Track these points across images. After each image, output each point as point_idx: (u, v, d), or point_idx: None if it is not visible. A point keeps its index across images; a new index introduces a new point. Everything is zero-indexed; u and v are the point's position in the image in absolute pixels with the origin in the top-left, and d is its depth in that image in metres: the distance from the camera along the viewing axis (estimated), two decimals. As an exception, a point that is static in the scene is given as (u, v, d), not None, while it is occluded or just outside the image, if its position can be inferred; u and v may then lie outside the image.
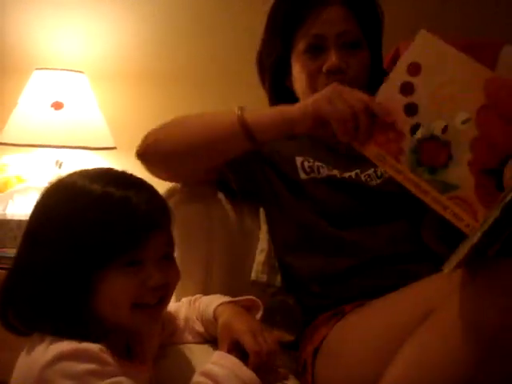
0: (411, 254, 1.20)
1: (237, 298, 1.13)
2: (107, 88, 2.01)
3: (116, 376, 0.85)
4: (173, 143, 1.23)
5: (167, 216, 0.96)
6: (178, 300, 1.24)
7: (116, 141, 1.90)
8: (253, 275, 1.33)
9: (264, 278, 1.33)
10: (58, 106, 1.73)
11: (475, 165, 0.90)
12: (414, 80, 0.96)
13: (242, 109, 1.17)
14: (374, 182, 1.27)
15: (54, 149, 1.78)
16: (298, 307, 1.31)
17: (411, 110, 0.96)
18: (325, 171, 1.29)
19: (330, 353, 1.11)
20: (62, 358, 0.83)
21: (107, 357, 0.86)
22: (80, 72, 1.86)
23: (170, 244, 0.97)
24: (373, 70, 1.31)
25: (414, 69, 0.97)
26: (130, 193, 0.91)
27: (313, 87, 1.28)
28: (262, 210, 1.37)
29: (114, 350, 0.91)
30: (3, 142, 1.75)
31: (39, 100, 1.76)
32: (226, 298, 1.14)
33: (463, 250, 0.77)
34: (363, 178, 1.28)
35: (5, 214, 1.67)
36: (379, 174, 1.27)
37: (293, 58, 1.31)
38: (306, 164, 1.30)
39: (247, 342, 0.98)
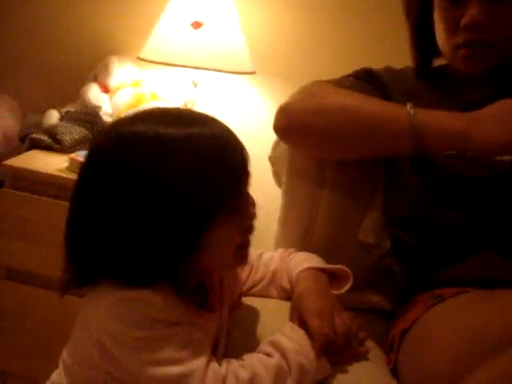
0: None
1: (328, 266, 1.07)
2: (253, 9, 1.93)
3: (176, 326, 0.84)
4: (323, 130, 1.11)
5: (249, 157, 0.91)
6: (276, 249, 1.20)
7: (256, 65, 1.83)
8: (360, 234, 1.23)
9: (371, 238, 1.23)
10: (197, 25, 1.68)
11: None
12: None
13: (415, 109, 1.05)
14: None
15: (190, 69, 1.75)
16: (402, 277, 1.21)
17: None
18: None
19: (417, 338, 1.02)
20: (121, 303, 0.83)
21: (169, 307, 0.84)
22: (225, -8, 1.78)
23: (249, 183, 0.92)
24: None
25: None
26: (219, 131, 0.85)
27: (451, 43, 1.12)
28: (382, 172, 1.25)
29: (188, 299, 0.89)
30: (142, 57, 1.75)
31: (179, 18, 1.72)
32: (318, 262, 1.07)
33: None
34: None
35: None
36: None
37: (434, 4, 1.14)
38: None
39: (311, 324, 0.91)
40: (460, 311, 0.96)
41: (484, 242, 1.08)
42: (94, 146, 0.88)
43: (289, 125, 1.13)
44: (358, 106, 1.10)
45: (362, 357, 0.97)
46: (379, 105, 1.10)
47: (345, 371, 0.94)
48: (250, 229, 0.91)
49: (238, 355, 0.91)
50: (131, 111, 1.62)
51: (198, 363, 0.83)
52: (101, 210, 0.84)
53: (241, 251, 0.91)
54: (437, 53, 1.20)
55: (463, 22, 1.08)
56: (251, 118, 1.89)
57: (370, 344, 1.07)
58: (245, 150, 0.89)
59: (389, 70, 1.26)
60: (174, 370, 0.82)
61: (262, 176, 1.32)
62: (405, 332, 1.05)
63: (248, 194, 0.91)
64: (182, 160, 0.81)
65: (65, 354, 0.93)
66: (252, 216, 0.90)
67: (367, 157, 1.16)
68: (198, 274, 0.92)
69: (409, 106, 1.06)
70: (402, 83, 1.22)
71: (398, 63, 1.28)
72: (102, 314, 0.83)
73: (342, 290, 1.05)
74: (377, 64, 1.30)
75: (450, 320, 0.96)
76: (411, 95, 1.19)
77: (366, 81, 1.22)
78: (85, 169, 0.87)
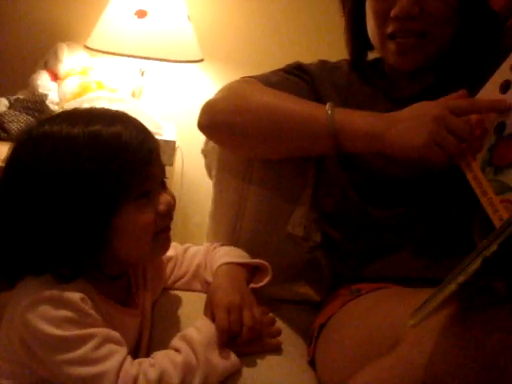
0: (456, 242, 1.06)
1: (245, 260, 1.10)
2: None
3: (93, 327, 0.88)
4: (244, 129, 1.12)
5: (158, 143, 0.97)
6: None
7: (204, 53, 1.84)
8: (289, 227, 1.25)
9: (300, 231, 1.25)
10: (141, 14, 1.69)
11: None
12: None
13: (333, 109, 1.05)
14: None
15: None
16: (328, 269, 1.24)
17: None
18: None
19: (329, 334, 1.05)
20: (42, 301, 0.87)
21: (86, 307, 0.88)
22: (172, -21, 1.78)
23: (164, 171, 0.98)
24: (468, 14, 1.10)
25: None
26: (119, 127, 0.91)
27: (381, 33, 1.11)
28: (312, 164, 1.27)
29: (109, 294, 0.95)
30: (89, 46, 1.75)
31: (124, 7, 1.72)
32: (237, 257, 1.11)
33: (434, 301, 0.68)
34: None
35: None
36: None
37: None
38: None
39: (217, 317, 0.95)
40: (366, 309, 0.99)
41: (406, 240, 1.10)
42: (15, 145, 0.94)
43: (211, 123, 1.15)
44: (278, 106, 1.10)
45: (271, 348, 1.00)
46: (299, 104, 1.11)
47: (257, 363, 0.97)
48: (166, 215, 0.96)
49: (159, 349, 0.94)
50: (75, 101, 1.65)
51: (112, 364, 0.86)
52: (15, 206, 0.90)
53: (159, 237, 0.96)
54: (371, 46, 1.21)
55: (393, 11, 1.07)
56: (200, 105, 1.91)
57: (291, 336, 1.11)
58: (150, 143, 0.94)
59: (321, 64, 1.26)
60: (89, 370, 0.86)
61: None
62: (322, 326, 1.08)
63: (163, 182, 0.97)
64: (84, 156, 0.88)
65: None
66: (166, 201, 0.95)
67: (289, 156, 1.17)
68: (117, 264, 0.96)
69: (328, 105, 1.07)
70: (334, 77, 1.23)
71: (342, 53, 1.28)
72: (24, 311, 0.87)
73: (262, 283, 1.09)
74: (320, 51, 1.31)
75: (356, 317, 1.00)
76: (343, 90, 1.21)
77: (296, 75, 1.22)
78: (6, 167, 0.93)
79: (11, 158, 0.92)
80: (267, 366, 0.98)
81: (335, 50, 1.29)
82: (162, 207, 0.94)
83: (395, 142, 0.99)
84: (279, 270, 1.14)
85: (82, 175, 0.87)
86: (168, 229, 0.98)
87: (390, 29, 1.09)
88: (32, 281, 0.90)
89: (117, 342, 0.89)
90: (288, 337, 1.09)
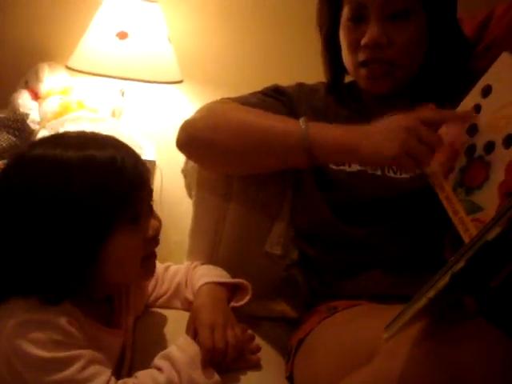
0: (428, 260, 1.08)
1: (226, 280, 1.13)
2: (181, 19, 1.97)
3: (79, 349, 0.89)
4: (221, 146, 1.15)
5: (147, 168, 0.99)
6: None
7: (184, 74, 1.87)
8: (267, 246, 1.28)
9: (278, 250, 1.29)
10: (122, 35, 1.72)
11: (503, 187, 0.86)
12: (482, 101, 0.94)
13: (307, 124, 1.09)
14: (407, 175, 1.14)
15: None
16: (305, 286, 1.27)
17: (472, 130, 0.95)
18: (356, 166, 1.18)
19: (307, 349, 1.08)
20: (28, 324, 0.87)
21: (73, 329, 0.89)
22: (153, 2, 1.82)
23: (151, 194, 0.99)
24: (438, 41, 1.16)
25: (487, 91, 0.94)
26: (112, 151, 0.92)
27: (353, 60, 1.17)
28: (288, 180, 1.30)
29: (93, 315, 0.95)
30: (70, 66, 1.78)
31: (106, 28, 1.75)
32: (218, 276, 1.13)
33: (406, 315, 0.71)
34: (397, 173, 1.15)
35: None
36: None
37: (340, 26, 1.20)
38: None
39: (201, 336, 0.97)
40: (341, 327, 1.03)
41: (380, 257, 1.13)
42: (5, 167, 0.94)
43: (190, 141, 1.18)
44: (254, 122, 1.14)
45: (252, 364, 1.03)
46: (274, 120, 1.14)
47: (238, 380, 0.99)
48: (153, 240, 0.98)
49: (142, 368, 0.96)
50: (57, 121, 1.67)
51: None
52: (4, 227, 0.90)
53: (146, 262, 0.98)
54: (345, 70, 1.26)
55: (363, 40, 1.13)
56: (179, 125, 1.94)
57: (269, 352, 1.14)
58: (141, 167, 0.95)
59: (298, 87, 1.31)
60: None
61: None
62: (300, 342, 1.10)
63: (150, 206, 0.98)
64: (78, 180, 0.88)
65: None
66: (154, 227, 0.97)
67: (266, 171, 1.21)
68: (104, 288, 0.98)
69: (301, 120, 1.10)
70: (311, 100, 1.27)
71: (320, 75, 1.32)
72: (10, 332, 0.87)
73: (242, 302, 1.11)
74: (298, 74, 1.36)
75: (331, 335, 1.03)
76: (320, 111, 1.25)
77: (274, 97, 1.26)
78: None
79: (1, 180, 0.92)
80: (248, 382, 1.00)
81: (313, 72, 1.34)
82: (150, 232, 0.96)
83: (368, 153, 1.03)
84: (257, 287, 1.16)
85: (75, 200, 0.88)
86: (154, 254, 1.00)
87: (361, 57, 1.15)
88: (18, 303, 0.90)
89: (102, 363, 0.91)
90: (266, 353, 1.11)
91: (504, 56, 0.92)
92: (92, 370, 0.88)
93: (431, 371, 0.72)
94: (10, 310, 0.90)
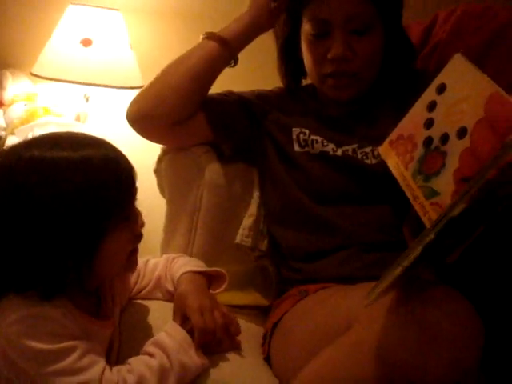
0: (390, 242, 1.19)
1: (204, 269, 1.19)
2: (142, 26, 2.03)
3: (75, 340, 0.93)
4: (156, 90, 1.30)
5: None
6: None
7: (146, 80, 1.92)
8: (238, 238, 1.37)
9: (248, 242, 1.37)
10: (86, 42, 1.77)
11: (458, 173, 0.93)
12: (438, 98, 1.02)
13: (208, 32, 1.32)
14: (369, 161, 1.25)
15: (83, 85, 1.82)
16: (276, 275, 1.36)
17: (429, 124, 1.03)
18: (319, 146, 1.28)
19: (283, 331, 1.16)
20: (25, 318, 0.91)
21: (67, 321, 0.94)
22: (115, 9, 1.87)
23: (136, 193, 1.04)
24: (391, 48, 1.28)
25: (441, 88, 1.02)
26: (105, 151, 0.96)
27: (319, 72, 1.28)
28: (256, 175, 1.40)
29: (84, 308, 1.00)
30: (35, 73, 1.81)
31: (70, 35, 1.79)
32: (197, 266, 1.19)
33: (385, 282, 0.79)
34: (359, 156, 1.26)
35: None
36: (376, 153, 1.25)
37: (301, 35, 1.30)
38: (301, 137, 1.31)
39: (194, 319, 1.04)
40: (315, 305, 1.10)
41: (346, 241, 1.21)
42: (1, 167, 0.95)
43: (136, 107, 1.31)
44: (173, 61, 1.33)
45: (233, 347, 1.10)
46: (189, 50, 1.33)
47: (222, 362, 1.06)
48: (139, 236, 1.03)
49: (130, 356, 1.01)
50: (25, 126, 1.70)
51: (95, 372, 0.92)
52: (5, 227, 0.92)
53: (132, 256, 1.04)
54: (304, 73, 1.36)
55: (330, 55, 1.23)
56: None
57: (244, 337, 1.21)
58: (133, 168, 1.00)
59: (253, 91, 1.41)
60: (73, 379, 0.91)
61: (152, 187, 1.44)
62: (275, 325, 1.18)
63: (135, 205, 1.03)
64: (76, 181, 0.92)
65: None
66: (141, 224, 1.03)
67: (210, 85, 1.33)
68: (95, 280, 1.02)
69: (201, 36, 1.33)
70: (266, 97, 1.39)
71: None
72: (7, 329, 0.91)
73: (220, 289, 1.18)
74: (259, 80, 1.47)
75: (307, 313, 1.11)
76: (274, 102, 1.38)
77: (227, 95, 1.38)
78: None
79: None
80: (230, 363, 1.07)
81: (269, 77, 1.43)
82: (138, 229, 1.02)
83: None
84: (229, 278, 1.22)
85: (75, 199, 0.91)
86: (137, 249, 1.05)
87: (327, 69, 1.26)
88: (15, 298, 0.93)
89: (96, 353, 0.95)
90: (242, 338, 1.16)
91: (456, 57, 1.00)
92: (88, 359, 0.93)
93: (406, 334, 0.80)
94: (6, 306, 0.93)
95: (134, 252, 1.05)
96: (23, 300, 0.93)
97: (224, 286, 1.19)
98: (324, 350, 0.91)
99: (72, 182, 0.91)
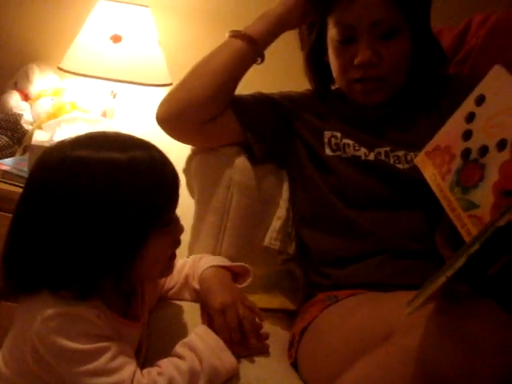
0: (421, 250, 1.18)
1: (229, 264, 1.19)
2: (171, 23, 2.02)
3: (107, 341, 0.93)
4: (186, 90, 1.29)
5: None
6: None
7: (173, 77, 1.92)
8: (266, 241, 1.36)
9: (277, 245, 1.36)
10: (116, 39, 1.76)
11: (498, 186, 0.93)
12: (477, 110, 1.02)
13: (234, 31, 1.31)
14: (401, 166, 1.24)
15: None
16: (303, 279, 1.35)
17: (467, 135, 1.02)
18: (351, 151, 1.27)
19: (313, 336, 1.14)
20: (59, 317, 0.91)
21: (101, 322, 0.94)
22: (145, 6, 1.87)
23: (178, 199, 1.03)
24: (420, 52, 1.27)
25: (480, 100, 1.01)
26: (152, 153, 0.96)
27: (345, 77, 1.27)
28: (286, 177, 1.39)
29: (115, 309, 1.00)
30: (63, 68, 1.81)
31: (99, 31, 1.79)
32: (221, 262, 1.19)
33: (427, 292, 0.78)
34: (392, 160, 1.25)
35: (52, 142, 1.70)
36: (409, 158, 1.24)
37: (328, 40, 1.29)
38: (332, 140, 1.30)
39: (215, 320, 1.04)
40: (348, 312, 1.09)
41: (377, 246, 1.20)
42: (40, 166, 0.95)
43: (166, 106, 1.30)
44: (201, 60, 1.33)
45: (264, 351, 1.09)
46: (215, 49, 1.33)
47: (250, 366, 1.05)
48: (178, 241, 1.03)
49: (158, 358, 1.01)
50: (53, 121, 1.70)
51: (126, 373, 0.92)
52: (46, 227, 0.92)
53: (170, 262, 1.04)
54: (332, 80, 1.35)
55: (356, 60, 1.22)
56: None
57: (270, 341, 1.20)
58: (176, 171, 1.00)
59: (282, 93, 1.41)
60: (106, 380, 0.91)
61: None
62: (304, 330, 1.17)
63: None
64: (125, 181, 0.91)
65: None
66: (181, 229, 1.02)
67: (232, 90, 1.32)
68: (132, 283, 1.03)
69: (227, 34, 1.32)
70: (295, 99, 1.38)
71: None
72: (40, 325, 0.91)
73: (245, 284, 1.18)
74: (290, 81, 1.45)
75: (340, 320, 1.09)
76: (304, 103, 1.37)
77: (268, 101, 1.37)
78: (30, 186, 0.96)
79: (35, 182, 0.94)
80: (257, 366, 1.06)
81: (302, 77, 1.42)
82: (178, 235, 1.02)
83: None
84: (256, 280, 1.23)
85: (122, 202, 0.91)
86: (175, 254, 1.05)
87: (355, 74, 1.25)
88: (50, 296, 0.92)
89: (127, 354, 0.95)
90: (268, 341, 1.16)
91: (496, 68, 1.00)
92: (120, 360, 0.93)
93: (450, 342, 0.79)
94: (39, 303, 0.93)
95: (172, 257, 1.04)
96: (58, 298, 0.93)
97: (249, 281, 1.18)
98: (361, 360, 0.90)
99: (120, 182, 0.91)
